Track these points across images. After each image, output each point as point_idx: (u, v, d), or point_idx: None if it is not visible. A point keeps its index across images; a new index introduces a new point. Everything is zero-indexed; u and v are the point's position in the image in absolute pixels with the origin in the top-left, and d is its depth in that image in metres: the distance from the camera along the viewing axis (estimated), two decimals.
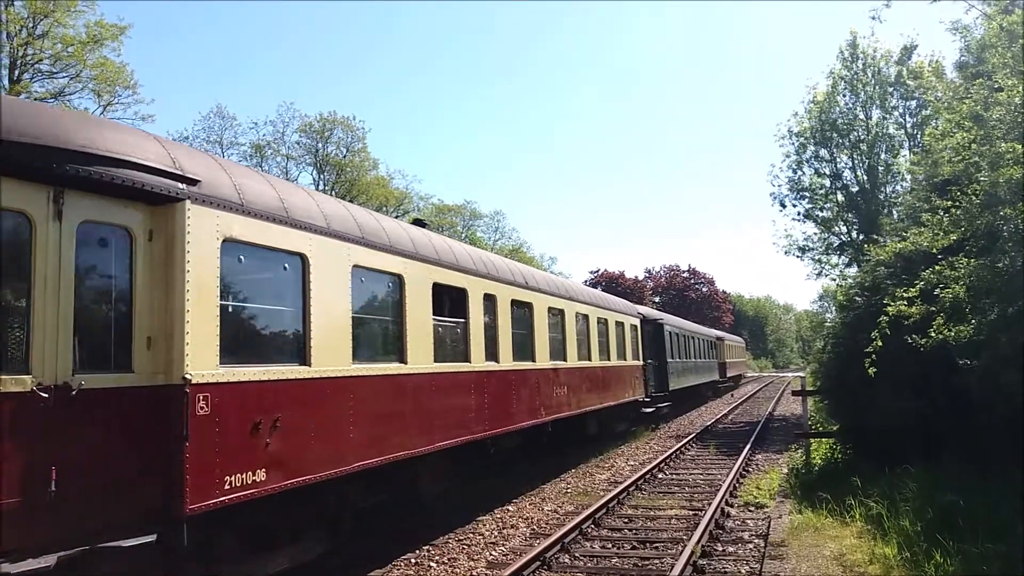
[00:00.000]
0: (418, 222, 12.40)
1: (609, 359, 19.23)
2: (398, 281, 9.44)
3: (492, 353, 12.21)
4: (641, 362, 22.99)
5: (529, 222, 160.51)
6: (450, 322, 11.09)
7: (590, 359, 17.49)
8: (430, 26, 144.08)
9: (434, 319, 10.23)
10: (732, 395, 45.78)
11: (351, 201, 30.75)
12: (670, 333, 28.33)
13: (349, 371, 8.02)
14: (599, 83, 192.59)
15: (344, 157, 43.83)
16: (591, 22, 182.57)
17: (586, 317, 17.54)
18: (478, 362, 11.55)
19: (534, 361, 14.07)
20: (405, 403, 9.19)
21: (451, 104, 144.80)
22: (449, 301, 11.25)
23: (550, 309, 15.32)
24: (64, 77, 27.29)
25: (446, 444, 10.12)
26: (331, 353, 7.76)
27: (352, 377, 8.05)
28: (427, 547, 9.94)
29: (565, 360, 15.75)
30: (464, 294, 11.40)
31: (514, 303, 13.34)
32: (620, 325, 20.91)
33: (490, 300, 12.27)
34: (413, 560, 9.33)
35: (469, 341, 11.36)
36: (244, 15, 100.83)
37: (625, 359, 21.10)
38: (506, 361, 12.65)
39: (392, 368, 9.06)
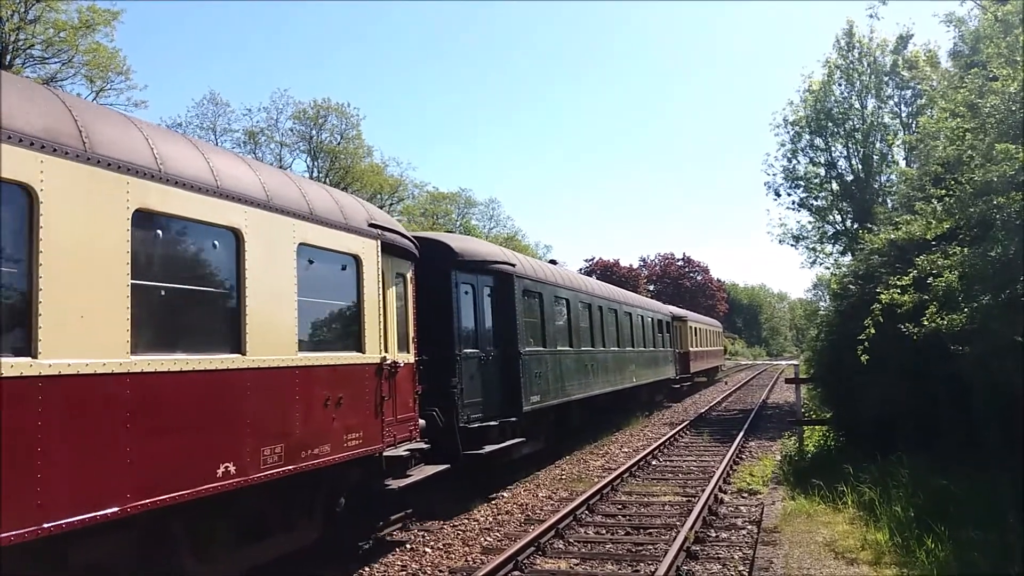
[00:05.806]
0: None
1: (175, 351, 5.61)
2: None
3: None
4: (376, 357, 8.49)
5: (525, 211, 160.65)
6: None
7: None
8: (426, 15, 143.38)
9: None
10: (726, 382, 45.83)
11: (344, 189, 30.60)
12: (537, 296, 14.97)
13: None
14: (597, 73, 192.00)
15: (338, 144, 43.60)
16: (590, 14, 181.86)
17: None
18: None
19: None
20: None
21: (447, 93, 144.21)
22: None
23: None
24: (56, 63, 27.22)
25: None
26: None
27: None
28: (422, 532, 9.99)
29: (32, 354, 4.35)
30: None
31: None
32: (269, 249, 6.67)
33: None
34: (408, 546, 9.37)
35: None
36: (237, 1, 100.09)
37: (275, 353, 6.68)
38: None
39: None
